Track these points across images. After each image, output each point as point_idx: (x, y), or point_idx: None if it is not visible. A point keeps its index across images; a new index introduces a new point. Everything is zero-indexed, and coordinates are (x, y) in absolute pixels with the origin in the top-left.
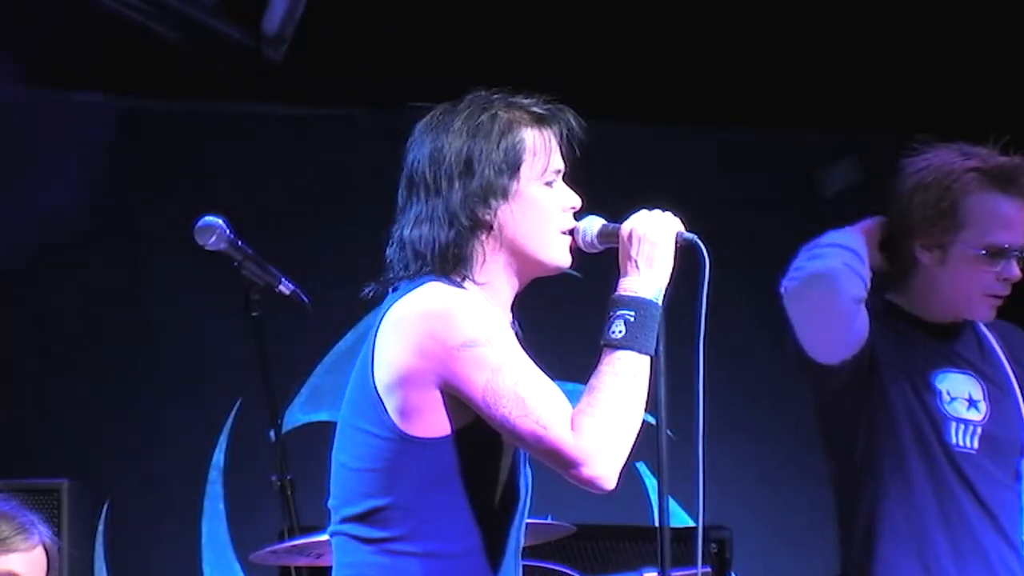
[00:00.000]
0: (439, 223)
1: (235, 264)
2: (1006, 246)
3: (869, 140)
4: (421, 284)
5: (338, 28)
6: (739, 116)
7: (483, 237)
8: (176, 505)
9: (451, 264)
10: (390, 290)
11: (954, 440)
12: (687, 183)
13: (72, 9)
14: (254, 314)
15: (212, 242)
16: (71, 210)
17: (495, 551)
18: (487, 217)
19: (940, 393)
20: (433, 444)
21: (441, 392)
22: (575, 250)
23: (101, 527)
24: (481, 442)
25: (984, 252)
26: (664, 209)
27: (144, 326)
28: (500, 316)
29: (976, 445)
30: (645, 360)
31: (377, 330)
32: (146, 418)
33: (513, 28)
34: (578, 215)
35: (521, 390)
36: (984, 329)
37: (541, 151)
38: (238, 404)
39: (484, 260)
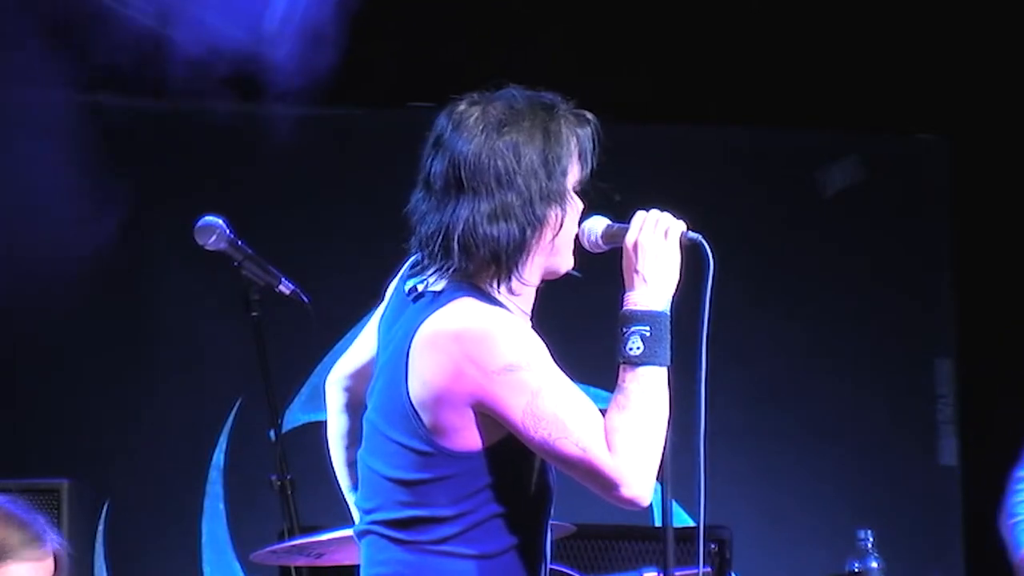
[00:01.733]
0: (516, 220)
1: (235, 264)
2: None
3: (869, 140)
4: (452, 299)
5: (338, 28)
6: (739, 116)
7: (537, 238)
8: (176, 505)
9: (504, 265)
10: (409, 292)
11: None
12: (687, 183)
13: (72, 9)
14: (254, 314)
15: (212, 242)
16: (71, 210)
17: (529, 551)
18: (553, 219)
19: None
20: (468, 457)
21: (475, 412)
22: (576, 250)
23: (101, 527)
24: (513, 454)
25: None
26: (665, 209)
27: (144, 326)
28: (532, 333)
29: None
30: (664, 372)
31: (411, 344)
32: (146, 418)
33: (513, 28)
34: (583, 215)
35: (561, 412)
36: None
37: (585, 158)
38: (238, 404)
39: (529, 263)
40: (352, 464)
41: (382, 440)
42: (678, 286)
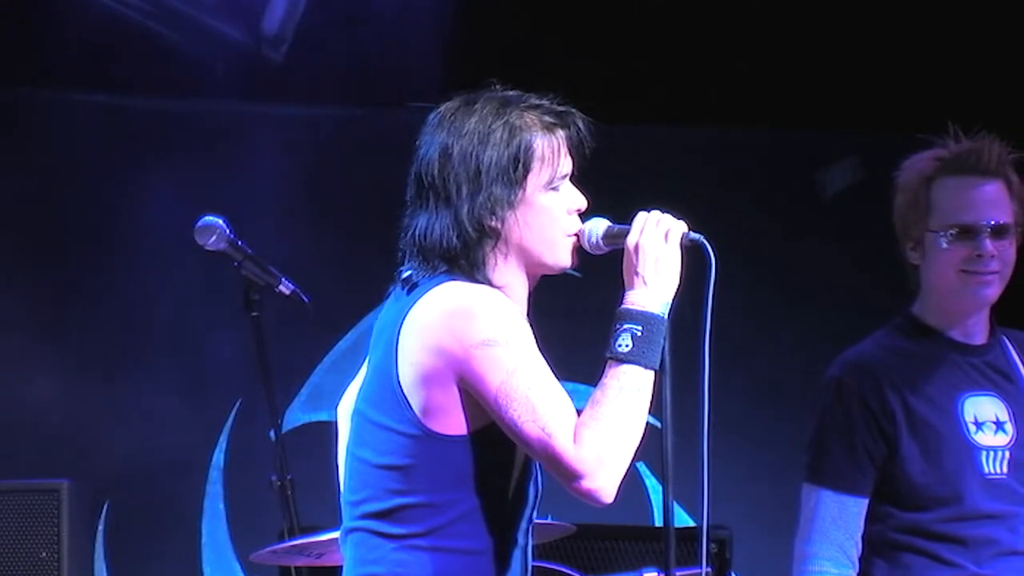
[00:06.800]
0: (448, 230)
1: (235, 264)
2: (970, 225)
3: (869, 140)
4: (440, 283)
5: (338, 28)
6: (739, 116)
7: (492, 243)
8: (176, 505)
9: (466, 267)
10: (404, 287)
11: (987, 469)
12: (687, 183)
13: (72, 9)
14: (254, 314)
15: (212, 242)
16: (71, 209)
17: (510, 549)
18: (494, 225)
19: (966, 424)
20: (454, 442)
21: (460, 390)
22: (577, 250)
23: (101, 527)
24: (500, 441)
25: (950, 235)
26: (666, 210)
27: (144, 326)
28: (520, 315)
29: (1006, 470)
30: (650, 375)
31: (400, 329)
32: (146, 418)
33: (512, 27)
34: (582, 216)
35: (533, 395)
36: (1007, 342)
37: (550, 158)
38: (238, 404)
39: (496, 264)
40: None
41: (371, 428)
42: (679, 287)
